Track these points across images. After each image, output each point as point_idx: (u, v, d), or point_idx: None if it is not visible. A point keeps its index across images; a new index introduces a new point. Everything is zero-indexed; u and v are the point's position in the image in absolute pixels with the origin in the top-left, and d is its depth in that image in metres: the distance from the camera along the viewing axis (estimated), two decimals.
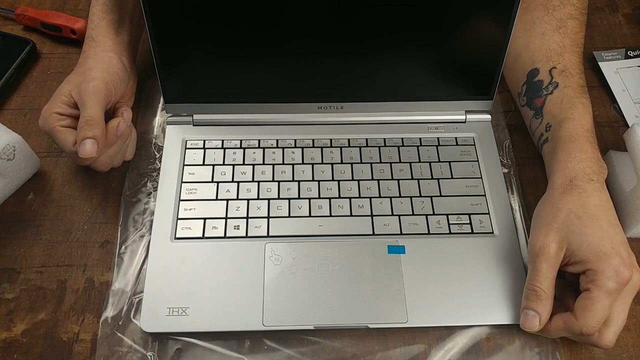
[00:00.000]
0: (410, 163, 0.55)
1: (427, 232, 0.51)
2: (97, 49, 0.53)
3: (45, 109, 0.49)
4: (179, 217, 0.51)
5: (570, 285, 0.46)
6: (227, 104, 0.56)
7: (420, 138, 0.57)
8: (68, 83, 0.50)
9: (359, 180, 0.54)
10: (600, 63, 0.63)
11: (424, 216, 0.52)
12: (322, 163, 0.55)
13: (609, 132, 0.59)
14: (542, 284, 0.43)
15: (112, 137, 0.49)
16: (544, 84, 0.52)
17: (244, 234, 0.50)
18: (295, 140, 0.56)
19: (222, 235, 0.50)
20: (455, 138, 0.57)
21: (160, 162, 0.55)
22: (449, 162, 0.55)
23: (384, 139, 0.56)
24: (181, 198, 0.52)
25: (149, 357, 0.46)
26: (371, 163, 0.55)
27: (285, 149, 0.56)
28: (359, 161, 0.55)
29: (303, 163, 0.55)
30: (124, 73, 0.53)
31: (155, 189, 0.54)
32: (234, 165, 0.54)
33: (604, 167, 0.48)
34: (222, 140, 0.56)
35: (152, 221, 0.51)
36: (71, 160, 0.54)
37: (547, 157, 0.50)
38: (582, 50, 0.54)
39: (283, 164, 0.55)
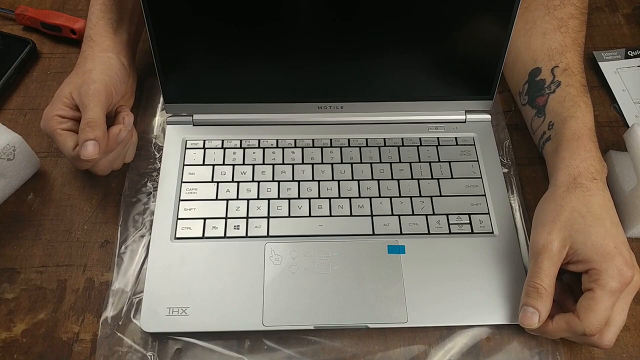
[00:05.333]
0: (410, 163, 0.55)
1: (427, 232, 0.51)
2: (95, 49, 0.53)
3: (47, 111, 0.49)
4: (179, 217, 0.51)
5: (568, 287, 0.46)
6: (227, 104, 0.56)
7: (420, 138, 0.57)
8: (68, 85, 0.50)
9: (359, 180, 0.54)
10: (600, 63, 0.63)
11: (424, 216, 0.52)
12: (322, 163, 0.55)
13: (609, 132, 0.59)
14: (544, 282, 0.43)
15: (113, 144, 0.49)
16: (546, 83, 0.52)
17: (244, 234, 0.50)
18: (295, 140, 0.56)
19: (222, 235, 0.50)
20: (455, 138, 0.57)
21: (160, 162, 0.55)
22: (449, 162, 0.55)
23: (384, 139, 0.56)
24: (181, 198, 0.52)
25: (149, 357, 0.46)
26: (371, 163, 0.55)
27: (285, 149, 0.56)
28: (359, 161, 0.55)
29: (303, 163, 0.55)
30: (123, 73, 0.53)
31: (155, 189, 0.54)
32: (234, 165, 0.54)
33: (605, 166, 0.48)
34: (222, 140, 0.56)
35: (152, 221, 0.51)
36: (71, 164, 0.54)
37: (550, 155, 0.50)
38: (583, 50, 0.54)
39: (283, 164, 0.55)
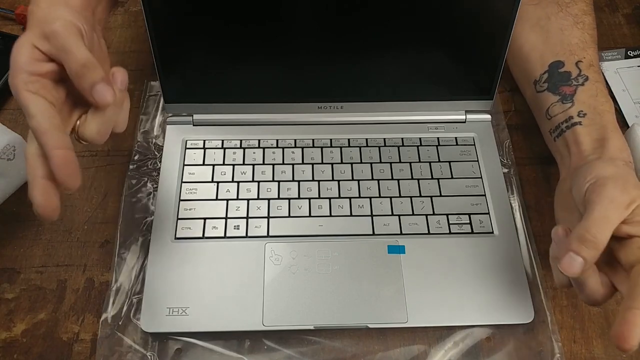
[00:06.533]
0: (410, 163, 0.55)
1: (427, 232, 0.51)
2: (41, 5, 0.39)
3: (12, 72, 0.36)
4: (179, 217, 0.51)
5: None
6: (227, 104, 0.56)
7: (420, 138, 0.57)
8: (27, 38, 0.37)
9: (359, 180, 0.54)
10: (600, 63, 0.63)
11: (424, 216, 0.52)
12: (322, 163, 0.55)
13: None
14: (603, 233, 0.39)
15: (119, 93, 0.39)
16: (572, 75, 0.52)
17: (244, 234, 0.50)
18: (295, 140, 0.56)
19: (222, 235, 0.50)
20: (455, 138, 0.57)
21: (160, 162, 0.55)
22: (449, 162, 0.55)
23: (384, 139, 0.56)
24: (181, 198, 0.52)
25: (149, 357, 0.46)
26: (371, 163, 0.55)
27: (285, 149, 0.56)
28: (359, 161, 0.55)
29: (303, 163, 0.55)
30: (89, 29, 0.40)
31: (155, 189, 0.54)
32: (234, 165, 0.54)
33: None
34: (222, 140, 0.56)
35: (152, 221, 0.51)
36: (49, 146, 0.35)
37: (584, 136, 0.49)
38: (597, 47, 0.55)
39: (283, 164, 0.55)
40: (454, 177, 0.54)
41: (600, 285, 0.40)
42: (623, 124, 0.60)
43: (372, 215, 0.52)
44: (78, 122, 0.39)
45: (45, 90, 0.36)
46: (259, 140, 0.56)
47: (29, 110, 0.35)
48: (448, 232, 0.51)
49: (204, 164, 0.54)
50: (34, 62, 0.36)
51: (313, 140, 0.56)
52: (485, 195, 0.53)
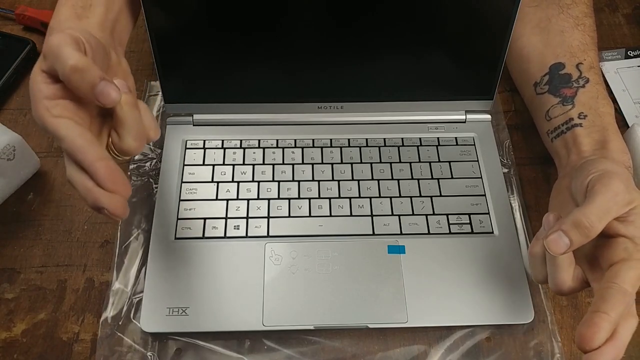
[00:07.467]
0: (410, 163, 0.55)
1: (427, 232, 0.51)
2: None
3: (32, 105, 0.36)
4: (179, 217, 0.51)
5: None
6: (227, 104, 0.56)
7: (420, 138, 0.57)
8: (35, 66, 0.36)
9: (359, 180, 0.54)
10: (600, 63, 0.63)
11: (424, 216, 0.52)
12: (322, 163, 0.55)
13: None
14: (599, 222, 0.38)
15: (128, 95, 0.37)
16: (573, 77, 0.52)
17: (244, 234, 0.50)
18: (295, 140, 0.56)
19: (222, 235, 0.50)
20: (455, 138, 0.57)
21: (160, 162, 0.55)
22: (449, 162, 0.55)
23: (384, 139, 0.56)
24: (181, 198, 0.52)
25: (149, 357, 0.46)
26: (371, 163, 0.55)
27: (285, 149, 0.56)
28: (359, 161, 0.55)
29: (303, 163, 0.55)
30: (94, 40, 0.38)
31: (156, 189, 0.54)
32: (234, 165, 0.54)
33: None
34: (222, 140, 0.56)
35: (152, 221, 0.51)
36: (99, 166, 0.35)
37: (584, 137, 0.49)
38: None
39: (283, 164, 0.55)
40: (454, 177, 0.54)
41: (571, 278, 0.40)
42: (623, 124, 0.60)
43: (372, 215, 0.52)
44: (110, 140, 0.38)
45: (68, 111, 0.36)
46: (259, 140, 0.56)
47: (59, 133, 0.34)
48: (448, 232, 0.51)
49: (204, 164, 0.54)
50: (46, 85, 0.35)
51: (313, 140, 0.56)
52: (485, 195, 0.53)
